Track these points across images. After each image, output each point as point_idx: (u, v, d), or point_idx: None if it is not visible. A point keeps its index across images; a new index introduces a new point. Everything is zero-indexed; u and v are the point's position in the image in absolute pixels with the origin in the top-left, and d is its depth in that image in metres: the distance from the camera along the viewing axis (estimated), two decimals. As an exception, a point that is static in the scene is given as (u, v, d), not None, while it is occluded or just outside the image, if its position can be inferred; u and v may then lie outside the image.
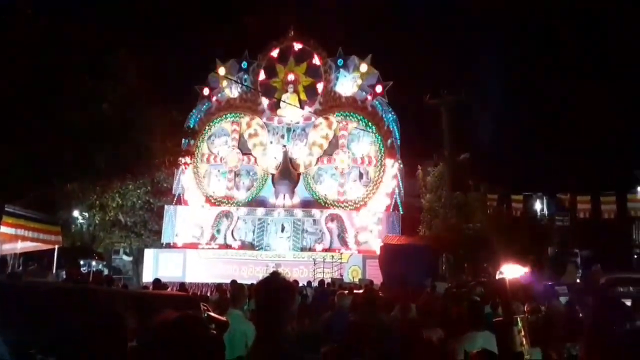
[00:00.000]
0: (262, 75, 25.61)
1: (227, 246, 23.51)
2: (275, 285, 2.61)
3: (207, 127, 25.60)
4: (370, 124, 24.03)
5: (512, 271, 3.24)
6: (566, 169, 22.65)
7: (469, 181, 21.89)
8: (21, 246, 16.39)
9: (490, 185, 22.04)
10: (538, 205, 23.64)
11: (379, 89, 24.24)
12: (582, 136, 23.28)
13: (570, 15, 24.31)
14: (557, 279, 13.78)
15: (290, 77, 25.16)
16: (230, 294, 6.56)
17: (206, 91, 25.97)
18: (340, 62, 24.86)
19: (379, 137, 23.79)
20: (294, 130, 25.12)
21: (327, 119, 24.47)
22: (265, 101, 25.32)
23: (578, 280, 15.98)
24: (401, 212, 23.00)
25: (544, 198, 23.36)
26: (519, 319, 2.97)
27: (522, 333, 2.88)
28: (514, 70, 23.86)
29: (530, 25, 24.36)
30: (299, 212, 23.77)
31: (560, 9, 24.68)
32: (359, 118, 24.26)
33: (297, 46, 25.33)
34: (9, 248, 16.26)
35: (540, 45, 24.67)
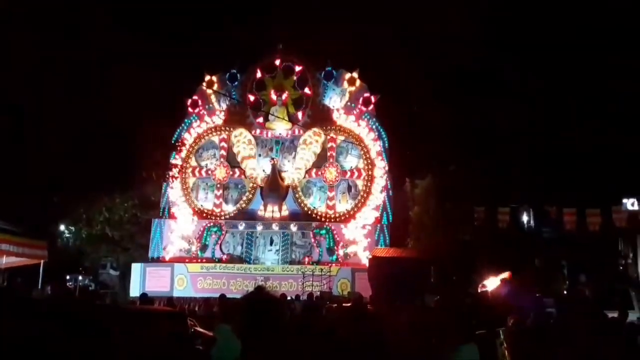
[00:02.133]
0: (250, 89, 25.70)
1: (215, 260, 23.38)
2: (260, 299, 2.64)
3: (195, 140, 25.59)
4: (358, 137, 24.15)
5: (494, 284, 3.29)
6: (552, 181, 22.87)
7: (456, 193, 22.01)
8: (6, 261, 16.15)
9: (478, 197, 22.17)
10: (524, 218, 23.82)
11: (367, 102, 24.41)
12: (568, 148, 23.55)
13: (558, 29, 24.65)
14: (544, 290, 13.87)
15: (279, 90, 25.27)
16: (218, 309, 6.54)
17: (194, 104, 25.96)
18: (328, 75, 25.03)
19: (367, 150, 23.92)
20: (282, 143, 25.18)
21: (315, 132, 24.56)
22: (253, 114, 25.39)
23: (565, 292, 16.12)
24: (389, 224, 23.06)
25: (530, 210, 23.53)
26: (501, 332, 3.02)
27: (505, 345, 2.93)
28: (502, 81, 24.11)
29: (517, 33, 24.66)
30: (287, 225, 23.74)
31: (551, 21, 25.00)
32: (347, 131, 24.38)
33: (286, 60, 25.47)
34: (-6, 263, 16.01)
35: (529, 55, 24.96)
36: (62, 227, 26.03)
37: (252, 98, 25.67)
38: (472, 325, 5.06)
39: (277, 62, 25.55)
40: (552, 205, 22.20)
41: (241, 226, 24.05)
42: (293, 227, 23.67)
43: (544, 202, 22.73)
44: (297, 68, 25.32)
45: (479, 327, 4.73)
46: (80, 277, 26.07)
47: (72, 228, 25.68)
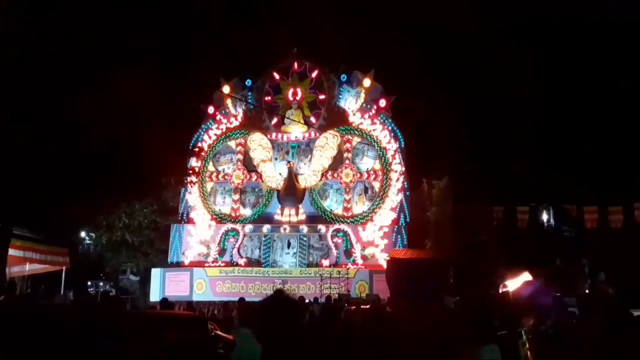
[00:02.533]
0: (266, 93, 25.82)
1: (233, 264, 23.51)
2: (280, 302, 2.66)
3: (212, 146, 25.78)
4: (374, 138, 24.12)
5: (515, 284, 3.26)
6: (572, 179, 22.57)
7: (474, 193, 21.88)
8: (29, 268, 16.48)
9: (496, 197, 21.98)
10: (544, 216, 23.55)
11: (382, 103, 24.37)
12: (587, 144, 23.24)
13: (573, 26, 24.37)
14: (566, 290, 13.67)
15: (294, 93, 25.35)
16: (237, 313, 6.57)
17: (211, 110, 26.17)
18: (343, 77, 25.04)
19: (383, 152, 23.88)
20: (298, 146, 25.24)
21: (331, 134, 24.58)
22: (269, 118, 25.51)
23: (587, 291, 15.89)
24: (407, 225, 22.96)
25: (550, 209, 23.27)
26: (523, 332, 2.99)
27: (527, 346, 2.90)
28: (519, 80, 23.86)
29: (535, 32, 24.44)
30: (304, 228, 23.78)
31: (566, 19, 24.71)
32: (362, 133, 24.36)
33: (300, 63, 25.54)
34: (18, 270, 16.34)
35: (547, 53, 24.70)
36: (82, 234, 26.42)
37: (268, 101, 25.76)
38: (492, 326, 5.02)
39: (295, 65, 25.58)
40: (572, 203, 21.93)
41: (259, 230, 24.15)
42: (310, 230, 23.70)
43: (563, 200, 22.46)
44: (312, 71, 25.35)
45: (501, 328, 4.69)
46: (101, 283, 26.43)
47: (93, 235, 26.05)
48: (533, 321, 5.07)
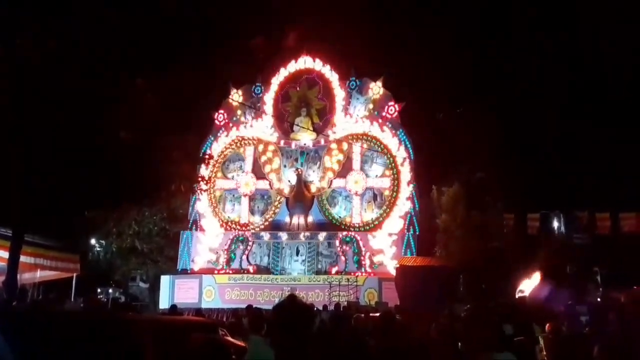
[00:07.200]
0: (275, 100, 25.89)
1: (242, 271, 23.50)
2: (295, 307, 2.65)
3: (221, 153, 25.87)
4: (383, 145, 24.08)
5: (531, 286, 3.24)
6: (583, 185, 22.32)
7: (484, 200, 21.71)
8: (40, 275, 16.61)
9: (507, 204, 21.79)
10: (555, 223, 23.32)
11: (392, 110, 24.36)
12: (598, 150, 23.00)
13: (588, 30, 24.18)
14: (578, 298, 13.53)
15: (303, 101, 25.43)
16: (248, 320, 6.56)
17: (221, 117, 26.32)
18: (352, 84, 25.09)
19: (392, 159, 23.82)
20: (307, 154, 25.27)
21: (340, 141, 24.59)
22: (278, 125, 25.58)
23: (599, 299, 15.70)
24: (417, 233, 22.87)
25: (561, 216, 23.04)
26: (540, 338, 2.96)
27: (544, 352, 2.87)
28: (529, 83, 23.68)
29: (545, 34, 24.31)
30: (313, 235, 23.74)
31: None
32: (371, 140, 24.34)
33: (309, 70, 25.63)
34: (29, 277, 16.46)
35: (558, 54, 24.52)
36: (93, 241, 26.52)
37: (277, 108, 25.82)
38: (505, 334, 4.97)
39: (301, 72, 25.63)
40: (584, 210, 21.71)
41: (267, 237, 24.15)
42: (319, 237, 23.66)
43: (575, 207, 22.23)
44: (321, 78, 25.40)
45: (518, 334, 4.63)
46: (110, 290, 26.46)
47: (103, 242, 26.14)
48: (549, 327, 5.02)
